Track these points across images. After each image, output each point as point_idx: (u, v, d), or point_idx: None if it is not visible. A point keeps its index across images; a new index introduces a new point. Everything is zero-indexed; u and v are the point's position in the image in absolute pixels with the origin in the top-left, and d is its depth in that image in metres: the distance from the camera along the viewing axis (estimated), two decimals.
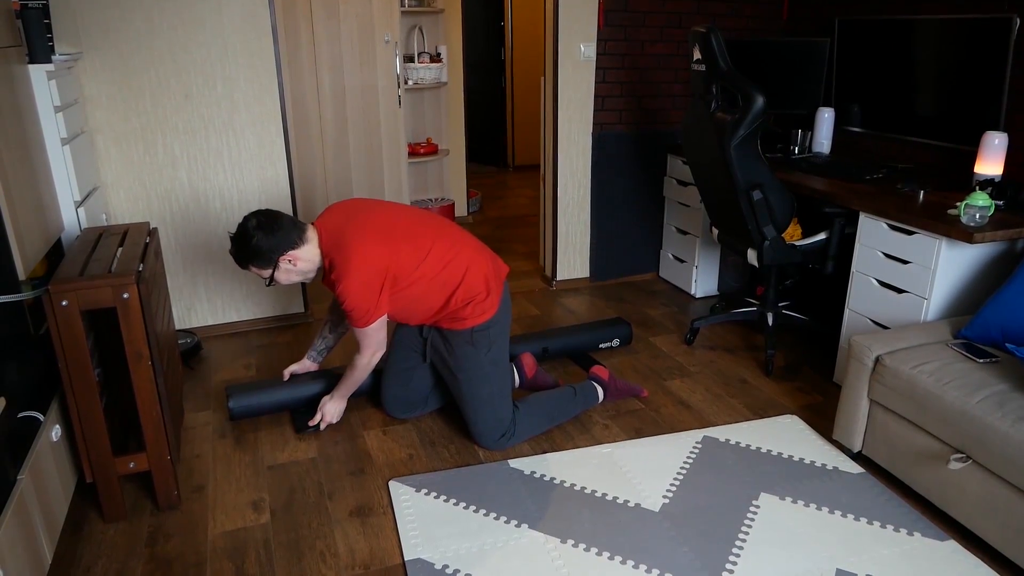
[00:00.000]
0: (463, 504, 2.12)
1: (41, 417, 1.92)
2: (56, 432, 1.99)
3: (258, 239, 2.16)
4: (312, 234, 2.25)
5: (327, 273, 2.28)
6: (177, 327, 3.26)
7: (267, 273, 2.23)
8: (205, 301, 3.28)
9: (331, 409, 2.51)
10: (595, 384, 2.66)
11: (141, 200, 3.05)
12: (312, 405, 2.60)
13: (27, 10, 2.20)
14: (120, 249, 2.14)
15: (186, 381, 2.89)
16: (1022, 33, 2.63)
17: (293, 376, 2.62)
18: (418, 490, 2.19)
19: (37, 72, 2.26)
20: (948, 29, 2.83)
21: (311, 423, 2.51)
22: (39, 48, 2.22)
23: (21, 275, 1.91)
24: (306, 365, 2.66)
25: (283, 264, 2.21)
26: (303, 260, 2.23)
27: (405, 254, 2.21)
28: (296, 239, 2.21)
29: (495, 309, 2.33)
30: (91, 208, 2.61)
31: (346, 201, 2.36)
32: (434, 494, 2.16)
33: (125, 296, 1.88)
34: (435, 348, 2.42)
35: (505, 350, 2.40)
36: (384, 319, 2.27)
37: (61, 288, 1.83)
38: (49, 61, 2.25)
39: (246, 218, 2.19)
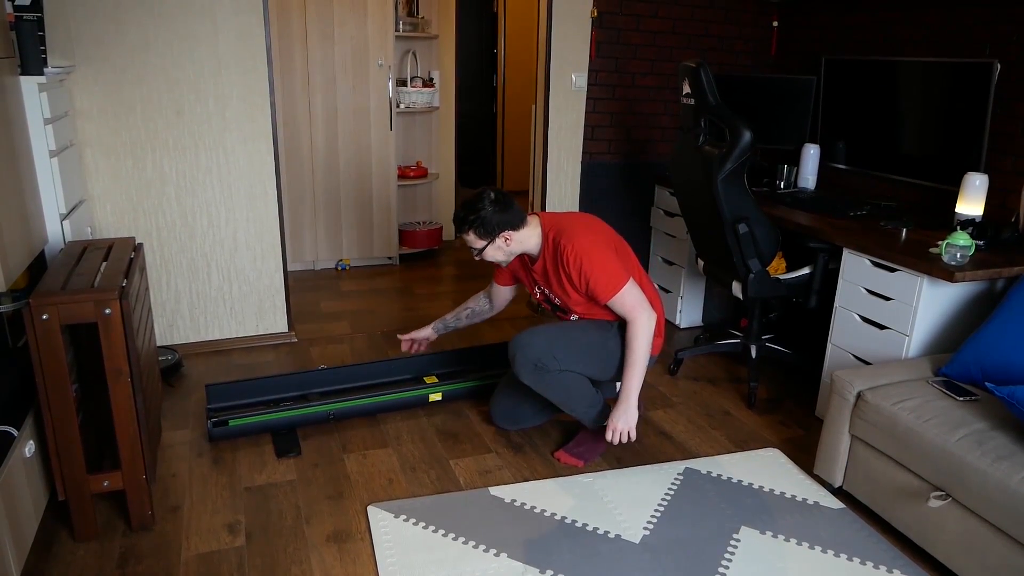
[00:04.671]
0: (442, 531, 2.09)
1: (15, 432, 1.88)
2: (30, 448, 1.95)
3: (491, 211, 2.31)
4: (533, 219, 2.42)
5: (539, 259, 2.42)
6: (158, 343, 3.22)
7: (482, 243, 2.35)
8: (188, 318, 3.25)
9: (626, 423, 2.31)
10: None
11: (128, 215, 3.03)
12: (293, 430, 2.57)
13: (21, 22, 2.20)
14: (104, 264, 2.12)
15: (165, 399, 2.85)
16: (1003, 78, 2.70)
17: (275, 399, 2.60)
18: (397, 516, 2.16)
19: (28, 84, 2.26)
20: (932, 72, 2.89)
21: (610, 440, 2.31)
22: (32, 60, 2.21)
23: (1, 286, 1.89)
24: (426, 333, 2.74)
25: (499, 240, 2.35)
26: (516, 241, 2.38)
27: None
28: (519, 223, 2.37)
29: (656, 350, 2.46)
30: (76, 221, 2.59)
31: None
32: (413, 520, 2.14)
33: (107, 312, 1.86)
34: None
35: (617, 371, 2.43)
36: (632, 281, 2.32)
37: (42, 301, 1.81)
38: (41, 73, 2.25)
39: (484, 190, 2.36)
